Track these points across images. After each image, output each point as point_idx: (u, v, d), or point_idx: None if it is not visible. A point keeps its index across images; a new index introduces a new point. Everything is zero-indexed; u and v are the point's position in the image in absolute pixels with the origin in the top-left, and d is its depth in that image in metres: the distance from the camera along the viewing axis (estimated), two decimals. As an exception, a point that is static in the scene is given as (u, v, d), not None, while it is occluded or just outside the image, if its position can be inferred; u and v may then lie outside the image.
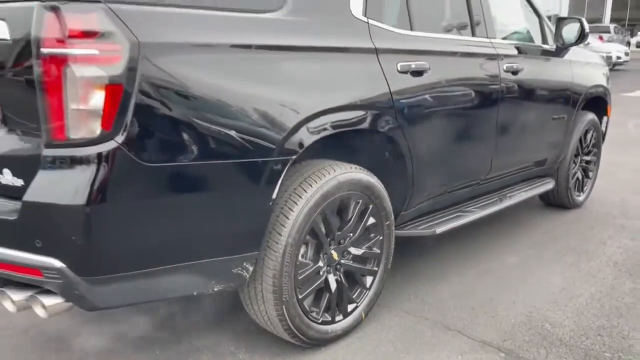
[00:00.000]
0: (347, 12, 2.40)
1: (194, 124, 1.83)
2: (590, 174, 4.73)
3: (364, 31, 2.45)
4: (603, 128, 4.78)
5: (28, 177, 1.75)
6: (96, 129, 1.67)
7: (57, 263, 1.71)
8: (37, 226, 1.72)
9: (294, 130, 2.07)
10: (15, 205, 1.77)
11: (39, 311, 1.83)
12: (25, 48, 1.70)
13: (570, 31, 3.81)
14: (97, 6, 1.65)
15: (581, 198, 4.63)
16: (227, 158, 1.93)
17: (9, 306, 1.87)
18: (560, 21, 3.86)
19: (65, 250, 1.71)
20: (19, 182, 1.81)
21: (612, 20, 41.26)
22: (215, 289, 2.07)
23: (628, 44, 28.34)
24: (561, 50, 3.94)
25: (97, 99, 1.65)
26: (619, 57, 20.04)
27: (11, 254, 1.76)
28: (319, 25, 2.28)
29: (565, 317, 2.78)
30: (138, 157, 1.72)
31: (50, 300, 1.80)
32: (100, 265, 1.77)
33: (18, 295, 1.83)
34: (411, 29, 2.73)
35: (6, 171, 1.83)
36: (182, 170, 1.84)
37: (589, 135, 4.53)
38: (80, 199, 1.66)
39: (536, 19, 3.92)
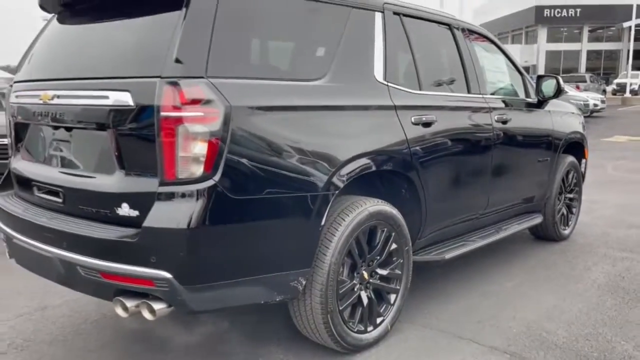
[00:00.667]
0: (372, 78, 3.02)
1: (267, 165, 2.39)
2: (574, 209, 5.32)
3: (385, 92, 3.05)
4: (582, 169, 5.41)
5: (142, 209, 2.28)
6: (199, 171, 2.22)
7: (167, 274, 2.22)
8: (153, 246, 2.23)
9: (338, 169, 2.64)
10: (131, 231, 2.29)
11: (147, 315, 2.31)
12: (144, 111, 2.26)
13: (548, 86, 4.48)
14: (201, 80, 2.23)
15: (567, 231, 5.19)
16: (291, 191, 2.49)
17: (121, 312, 2.35)
18: (539, 78, 4.54)
19: (173, 264, 2.22)
20: (134, 214, 2.33)
21: (588, 69, 43.19)
22: (277, 299, 2.57)
23: (604, 91, 29.67)
24: (542, 102, 4.60)
25: (201, 148, 2.21)
26: (595, 105, 21.04)
27: (130, 268, 2.27)
28: (351, 89, 2.89)
29: (558, 327, 3.29)
30: (228, 191, 2.26)
31: (158, 305, 2.29)
32: (198, 276, 2.27)
33: (130, 302, 2.32)
34: (420, 89, 3.35)
35: (124, 205, 2.35)
36: (259, 201, 2.39)
37: (570, 176, 5.14)
38: (187, 224, 2.19)
39: (519, 77, 4.59)
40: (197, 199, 2.22)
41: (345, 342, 2.83)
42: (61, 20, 2.96)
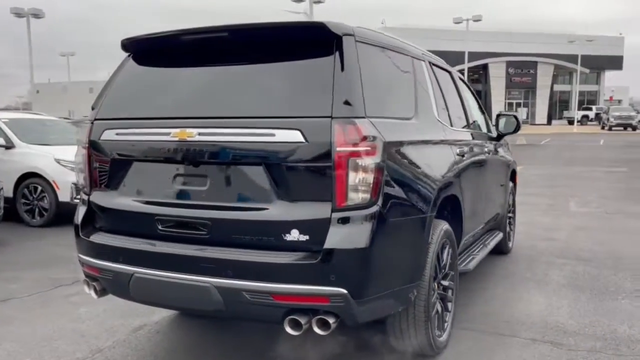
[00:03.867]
0: (433, 116, 3.56)
1: (405, 189, 2.82)
2: (512, 226, 6.29)
3: (440, 128, 3.61)
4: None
5: (312, 234, 2.54)
6: (367, 198, 2.55)
7: (343, 291, 2.49)
8: (333, 265, 2.49)
9: (438, 193, 3.12)
10: (305, 254, 2.53)
11: (320, 330, 2.55)
12: (316, 147, 2.54)
13: (508, 123, 5.38)
14: (365, 120, 2.58)
15: (510, 244, 6.13)
16: (419, 212, 2.92)
17: (292, 330, 2.55)
18: (499, 116, 5.44)
19: (349, 281, 2.51)
20: (304, 238, 2.57)
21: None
22: (399, 309, 2.94)
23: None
24: (500, 137, 5.49)
25: (369, 178, 2.54)
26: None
27: (308, 288, 2.50)
28: (428, 126, 3.41)
29: (565, 319, 4.03)
30: (386, 214, 2.62)
31: (332, 319, 2.54)
32: (366, 290, 2.58)
33: (304, 319, 2.53)
34: (451, 125, 3.96)
35: (294, 231, 2.57)
36: (402, 221, 2.79)
37: (512, 197, 6.12)
38: (362, 243, 2.52)
39: (482, 114, 5.44)
40: (368, 222, 2.55)
41: (436, 345, 3.26)
42: (176, 61, 3.10)
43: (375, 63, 2.98)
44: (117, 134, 3.01)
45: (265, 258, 2.58)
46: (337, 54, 2.66)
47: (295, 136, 2.56)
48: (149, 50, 3.20)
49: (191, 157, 2.79)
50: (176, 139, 2.79)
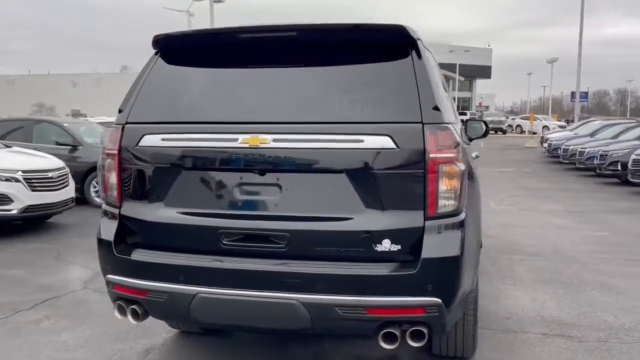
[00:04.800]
0: (457, 121, 3.63)
1: (471, 195, 2.85)
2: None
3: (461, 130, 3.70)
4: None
5: (403, 244, 2.47)
6: (455, 205, 2.52)
7: (438, 300, 2.45)
8: (431, 275, 2.43)
9: (480, 197, 3.17)
10: (398, 265, 2.45)
11: (413, 342, 2.47)
12: (407, 153, 2.47)
13: (477, 128, 5.62)
14: (450, 125, 2.56)
15: (468, 244, 6.43)
16: (478, 216, 2.95)
17: (386, 345, 2.45)
18: (468, 121, 5.67)
19: (444, 290, 2.47)
20: (395, 248, 2.47)
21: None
22: (462, 314, 2.95)
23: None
24: (471, 140, 5.72)
25: (457, 185, 2.52)
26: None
27: (405, 299, 2.42)
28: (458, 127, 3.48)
29: (557, 312, 4.30)
30: (467, 221, 2.61)
31: (425, 330, 2.48)
32: (455, 298, 2.54)
33: (398, 332, 2.45)
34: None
35: (385, 241, 2.47)
36: (473, 227, 2.82)
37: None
38: (455, 251, 2.49)
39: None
40: (457, 229, 2.53)
41: (475, 345, 3.32)
42: (232, 61, 2.86)
43: (436, 67, 2.98)
44: (163, 140, 2.71)
45: (359, 270, 2.46)
46: (415, 57, 2.61)
47: (386, 142, 2.47)
48: (193, 49, 2.90)
49: (263, 165, 2.58)
50: (246, 145, 2.56)
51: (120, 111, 2.87)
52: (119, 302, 2.81)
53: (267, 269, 2.53)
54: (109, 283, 2.82)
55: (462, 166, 2.55)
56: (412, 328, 2.48)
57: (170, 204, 2.73)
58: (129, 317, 2.79)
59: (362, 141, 2.49)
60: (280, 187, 2.59)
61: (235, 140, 2.58)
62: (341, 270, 2.47)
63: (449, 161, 2.50)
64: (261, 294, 2.50)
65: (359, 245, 2.51)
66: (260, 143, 2.55)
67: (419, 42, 2.67)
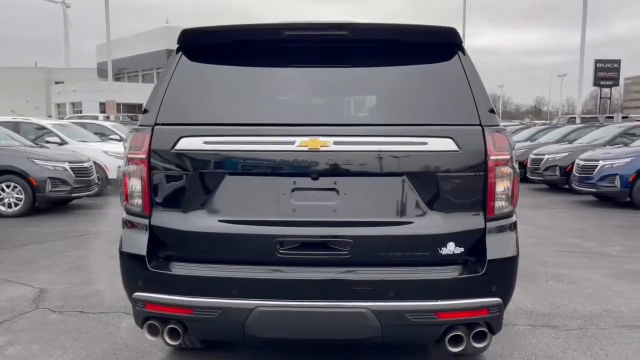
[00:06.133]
0: None
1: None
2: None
3: None
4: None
5: (466, 246, 2.48)
6: (509, 206, 2.58)
7: (500, 300, 2.49)
8: (495, 276, 2.46)
9: None
10: (462, 268, 2.47)
11: (477, 344, 2.49)
12: (469, 156, 2.48)
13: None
14: (504, 128, 2.60)
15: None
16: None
17: (453, 348, 2.46)
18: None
19: (504, 290, 2.51)
20: (459, 251, 2.47)
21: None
22: None
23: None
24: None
25: (510, 186, 2.57)
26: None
27: (472, 302, 2.43)
28: None
29: (527, 302, 4.56)
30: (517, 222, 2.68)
31: (487, 331, 2.50)
32: (510, 297, 2.60)
33: (464, 334, 2.45)
34: None
35: (450, 244, 2.46)
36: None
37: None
38: (514, 252, 2.57)
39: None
40: (513, 230, 2.59)
41: None
42: (275, 59, 2.70)
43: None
44: (206, 143, 2.49)
45: (428, 275, 2.44)
46: (465, 60, 2.63)
47: (449, 145, 2.47)
48: (231, 45, 2.69)
49: (321, 169, 2.46)
50: (305, 148, 2.43)
51: (145, 112, 2.60)
52: (151, 321, 2.54)
53: (333, 277, 2.43)
54: (137, 301, 2.54)
55: (515, 168, 2.61)
56: (477, 329, 2.50)
57: (214, 213, 2.52)
58: (166, 338, 2.54)
59: (426, 144, 2.46)
60: (337, 191, 2.50)
61: (293, 143, 2.44)
62: (410, 276, 2.44)
63: (505, 163, 2.55)
64: (328, 304, 2.39)
65: (424, 249, 2.49)
66: (321, 146, 2.43)
67: (463, 46, 2.70)
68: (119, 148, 11.63)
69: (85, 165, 9.76)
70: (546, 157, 12.57)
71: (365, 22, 2.62)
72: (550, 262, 5.96)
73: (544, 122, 35.94)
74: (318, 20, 2.60)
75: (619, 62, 36.56)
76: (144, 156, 2.53)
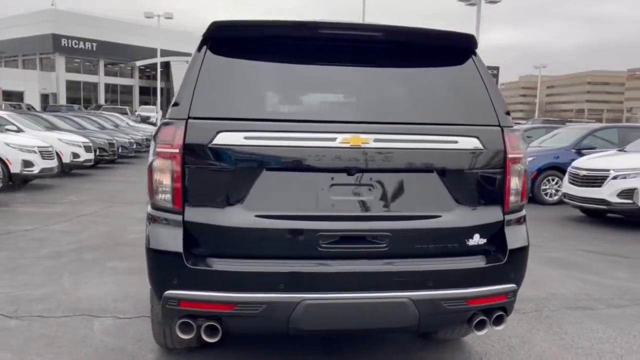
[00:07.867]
0: None
1: None
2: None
3: None
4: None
5: (488, 237, 2.69)
6: (520, 200, 2.82)
7: (515, 286, 2.73)
8: (514, 264, 2.69)
9: None
10: (485, 257, 2.67)
11: (496, 326, 2.70)
12: (490, 154, 2.69)
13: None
14: (517, 129, 2.84)
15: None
16: None
17: (478, 331, 2.65)
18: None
19: (519, 277, 2.75)
20: (482, 242, 2.67)
21: (107, 101, 45.55)
22: None
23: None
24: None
25: (521, 182, 2.81)
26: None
27: (494, 288, 2.64)
28: None
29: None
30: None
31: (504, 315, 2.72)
32: (521, 284, 2.83)
33: (486, 318, 2.66)
34: None
35: (476, 236, 2.64)
36: None
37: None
38: (527, 241, 2.82)
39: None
40: (524, 222, 2.84)
41: None
42: (309, 56, 2.71)
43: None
44: (246, 138, 2.46)
45: (460, 264, 2.61)
46: (479, 63, 2.82)
47: (475, 143, 2.65)
48: (267, 40, 2.67)
49: (360, 165, 2.54)
50: (347, 145, 2.49)
51: (175, 104, 2.52)
52: (184, 319, 2.47)
53: (375, 269, 2.52)
54: (169, 299, 2.45)
55: (526, 165, 2.85)
56: (497, 314, 2.71)
57: (251, 208, 2.50)
58: (203, 336, 2.49)
59: (456, 142, 2.63)
60: (373, 186, 2.59)
61: (334, 139, 2.49)
62: (444, 266, 2.59)
63: (519, 160, 2.78)
64: (371, 295, 2.48)
65: (454, 241, 2.66)
66: (362, 143, 2.51)
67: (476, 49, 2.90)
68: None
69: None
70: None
71: (398, 25, 2.73)
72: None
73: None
74: (352, 21, 2.67)
75: (497, 68, 39.52)
76: (176, 150, 2.45)
